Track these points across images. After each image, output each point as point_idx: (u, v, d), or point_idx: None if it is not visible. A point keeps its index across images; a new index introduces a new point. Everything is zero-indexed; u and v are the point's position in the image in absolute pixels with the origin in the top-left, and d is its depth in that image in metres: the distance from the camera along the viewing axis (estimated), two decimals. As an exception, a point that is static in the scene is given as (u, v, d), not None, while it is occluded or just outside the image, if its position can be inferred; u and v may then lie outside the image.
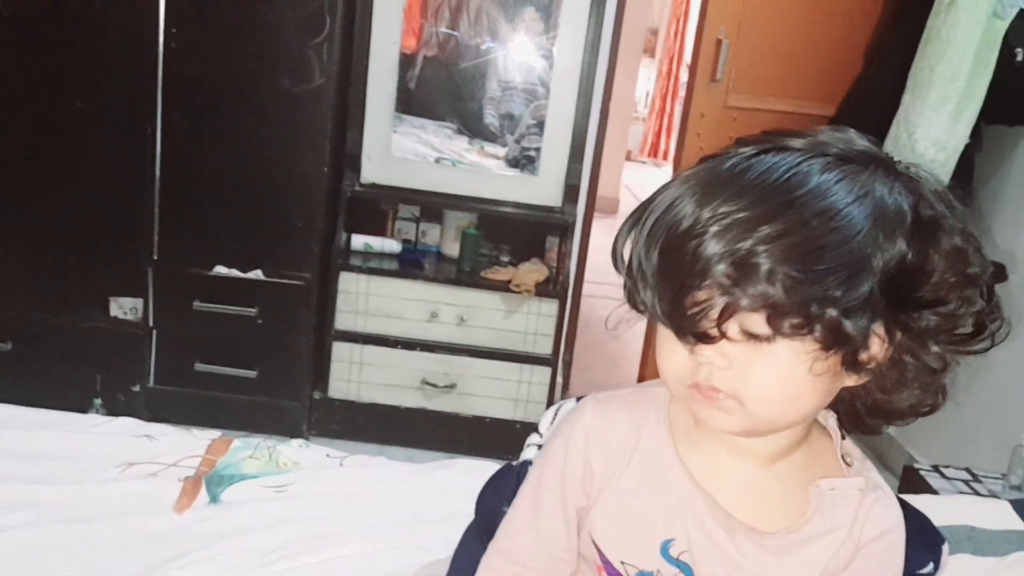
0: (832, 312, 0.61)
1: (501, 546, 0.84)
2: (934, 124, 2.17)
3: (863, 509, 0.74)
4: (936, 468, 1.92)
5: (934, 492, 1.79)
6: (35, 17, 2.29)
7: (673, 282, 0.64)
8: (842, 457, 0.76)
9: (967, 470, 1.93)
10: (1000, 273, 0.71)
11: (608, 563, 0.78)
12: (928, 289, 0.64)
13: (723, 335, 0.63)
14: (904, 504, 1.08)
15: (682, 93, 6.04)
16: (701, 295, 0.63)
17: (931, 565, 0.97)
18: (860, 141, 0.68)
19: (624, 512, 0.77)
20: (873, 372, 0.68)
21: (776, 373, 0.65)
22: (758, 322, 0.62)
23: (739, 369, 0.65)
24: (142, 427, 1.50)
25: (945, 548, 1.03)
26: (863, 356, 0.65)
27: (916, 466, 1.97)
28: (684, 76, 6.22)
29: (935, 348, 0.68)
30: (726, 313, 0.62)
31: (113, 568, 1.17)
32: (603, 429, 0.78)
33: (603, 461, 0.78)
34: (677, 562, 0.75)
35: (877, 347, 0.66)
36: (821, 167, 0.64)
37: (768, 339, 0.63)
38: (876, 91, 2.42)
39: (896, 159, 0.69)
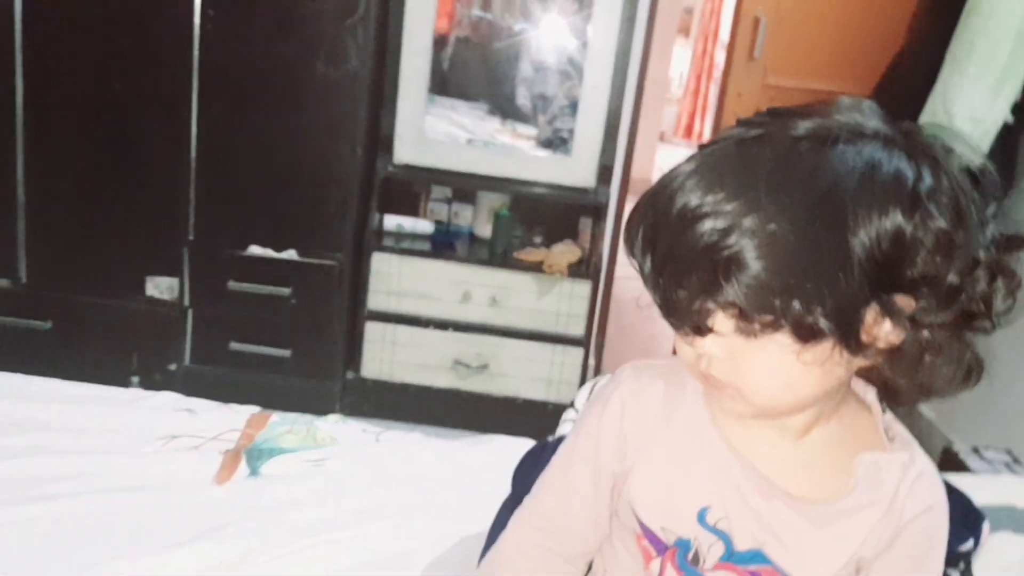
0: (798, 307, 0.60)
1: (532, 503, 0.86)
2: (972, 99, 2.12)
3: (905, 485, 0.73)
4: (975, 450, 1.89)
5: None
6: (74, 2, 2.32)
7: (662, 278, 0.65)
8: (885, 432, 0.75)
9: (1008, 452, 1.90)
10: (1016, 243, 0.66)
11: (648, 530, 0.78)
12: (920, 267, 0.62)
13: (711, 330, 0.65)
14: (944, 483, 1.08)
15: (717, 74, 5.97)
16: (686, 292, 0.64)
17: (971, 542, 0.97)
18: (871, 120, 0.66)
19: (661, 479, 0.78)
20: (886, 351, 0.66)
21: (766, 364, 0.65)
22: (733, 320, 0.63)
23: (735, 360, 0.66)
24: (183, 401, 1.52)
25: (985, 526, 1.02)
26: (865, 338, 0.64)
27: (955, 449, 1.94)
28: (720, 56, 6.12)
29: (931, 329, 0.64)
30: (704, 313, 0.64)
31: (156, 537, 1.19)
32: (639, 396, 0.79)
33: (639, 427, 0.79)
34: (714, 530, 0.75)
35: (878, 327, 0.64)
36: (815, 150, 0.62)
37: (754, 332, 0.63)
38: (916, 68, 2.38)
39: (926, 131, 0.67)
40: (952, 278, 0.62)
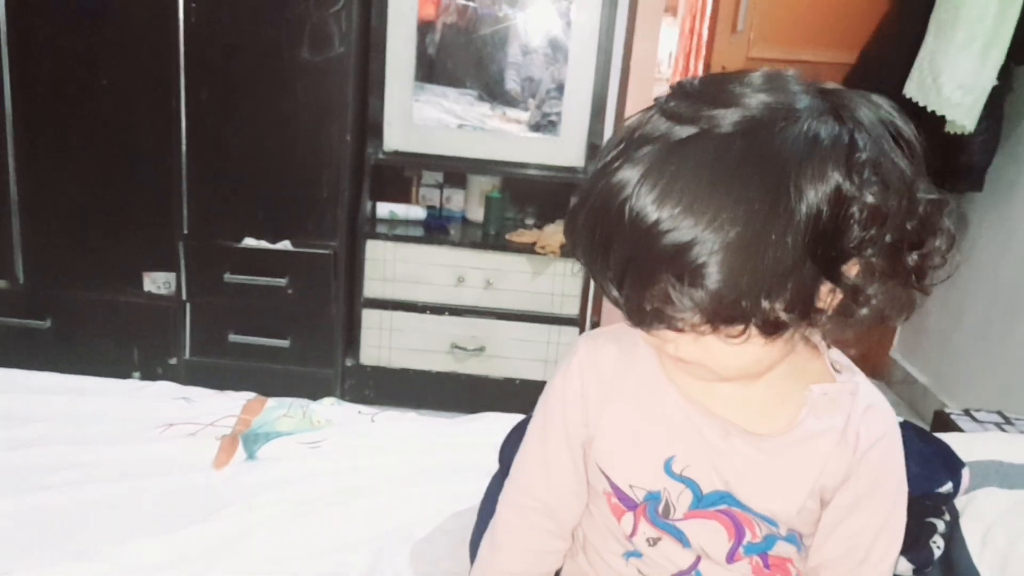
0: (764, 306, 0.62)
1: (516, 481, 0.88)
2: (959, 66, 2.13)
3: (856, 413, 0.76)
4: (967, 412, 1.91)
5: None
6: (58, -2, 2.33)
7: (623, 286, 0.65)
8: (832, 365, 0.78)
9: (999, 413, 1.92)
10: (940, 204, 0.68)
11: (617, 488, 0.81)
12: (859, 230, 0.62)
13: (680, 329, 0.66)
14: (924, 431, 1.09)
15: (705, 52, 5.94)
16: (650, 303, 0.64)
17: (950, 484, 0.99)
18: (797, 96, 0.65)
19: (625, 436, 0.80)
20: (832, 313, 0.67)
21: (733, 348, 0.66)
22: (701, 319, 0.64)
23: (703, 343, 0.67)
24: (179, 390, 1.54)
25: (965, 472, 1.04)
26: (819, 307, 0.65)
27: (947, 410, 1.96)
28: (707, 34, 6.10)
29: (873, 292, 0.66)
30: (672, 317, 0.64)
31: (156, 521, 1.21)
32: (595, 360, 0.82)
33: (597, 389, 0.81)
34: (681, 478, 0.78)
35: (830, 298, 0.66)
36: (756, 146, 0.62)
37: (721, 332, 0.65)
38: (899, 35, 2.38)
39: (856, 91, 0.67)
40: (888, 238, 0.64)
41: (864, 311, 0.66)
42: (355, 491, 1.30)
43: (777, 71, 0.67)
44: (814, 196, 0.60)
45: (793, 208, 0.60)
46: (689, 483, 0.77)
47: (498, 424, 1.46)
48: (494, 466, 1.15)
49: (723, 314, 0.62)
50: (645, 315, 0.65)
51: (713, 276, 0.60)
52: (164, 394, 1.54)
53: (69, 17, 2.34)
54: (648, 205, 0.62)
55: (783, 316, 0.62)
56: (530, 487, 0.86)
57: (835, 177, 0.61)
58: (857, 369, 0.79)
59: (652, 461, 0.78)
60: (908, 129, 0.66)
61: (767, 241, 0.60)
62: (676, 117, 0.65)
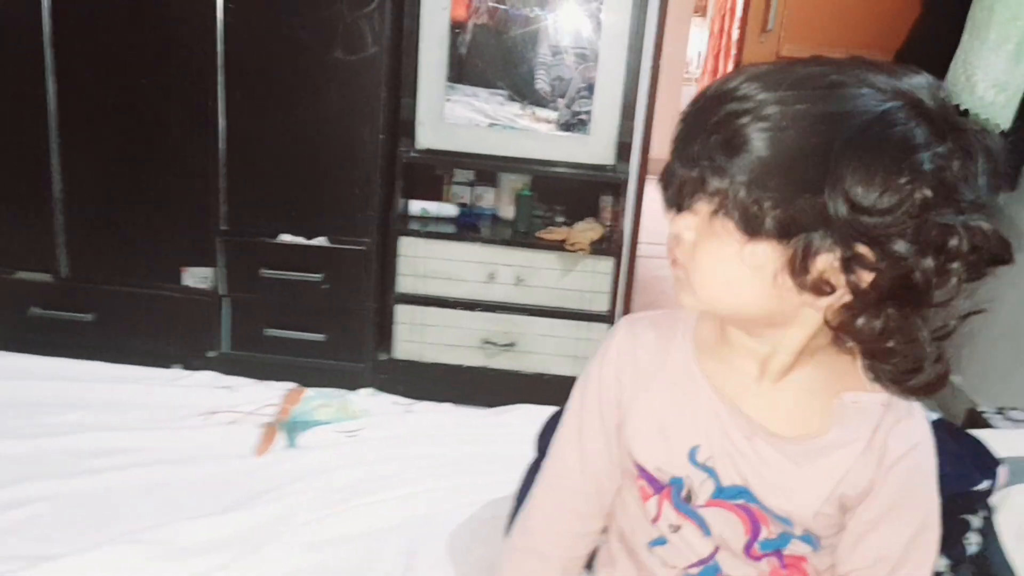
0: (743, 195, 0.64)
1: (552, 463, 0.90)
2: (993, 65, 2.12)
3: (885, 424, 0.75)
4: (1000, 410, 1.90)
5: (997, 432, 1.78)
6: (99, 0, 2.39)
7: (678, 146, 0.69)
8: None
9: (1033, 412, 1.91)
10: (1001, 247, 0.66)
11: (644, 471, 0.82)
12: (875, 222, 0.63)
13: (688, 208, 0.69)
14: (957, 429, 1.09)
15: (735, 52, 5.93)
16: (682, 164, 0.68)
17: (986, 483, 0.99)
18: (914, 87, 0.67)
19: (654, 422, 0.81)
20: (839, 315, 0.68)
21: (713, 253, 0.69)
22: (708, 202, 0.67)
23: (700, 249, 0.70)
24: (221, 379, 1.59)
25: (1002, 469, 1.04)
26: (810, 265, 0.65)
27: (980, 410, 1.95)
28: (737, 34, 6.09)
29: (869, 288, 0.66)
30: (686, 187, 0.69)
31: (197, 506, 1.25)
32: (632, 346, 0.84)
33: (632, 375, 0.83)
34: (704, 467, 0.79)
35: (827, 266, 0.65)
36: (853, 87, 0.65)
37: (712, 217, 0.67)
38: (935, 36, 2.38)
39: (954, 104, 0.68)
40: (900, 246, 0.64)
41: (874, 332, 0.67)
42: (391, 479, 1.33)
43: (927, 77, 0.69)
44: (852, 170, 0.62)
45: (834, 158, 0.62)
46: (711, 472, 0.78)
47: (531, 416, 1.49)
48: (527, 457, 1.17)
49: (739, 197, 0.64)
50: (671, 179, 0.69)
51: (750, 148, 0.63)
52: (206, 383, 1.58)
53: (110, 20, 2.39)
54: (742, 84, 0.66)
55: (767, 222, 0.64)
56: (566, 469, 0.88)
57: (878, 169, 0.62)
58: None
59: (678, 448, 0.80)
60: (995, 144, 0.67)
61: (801, 154, 0.63)
62: (832, 63, 0.68)
